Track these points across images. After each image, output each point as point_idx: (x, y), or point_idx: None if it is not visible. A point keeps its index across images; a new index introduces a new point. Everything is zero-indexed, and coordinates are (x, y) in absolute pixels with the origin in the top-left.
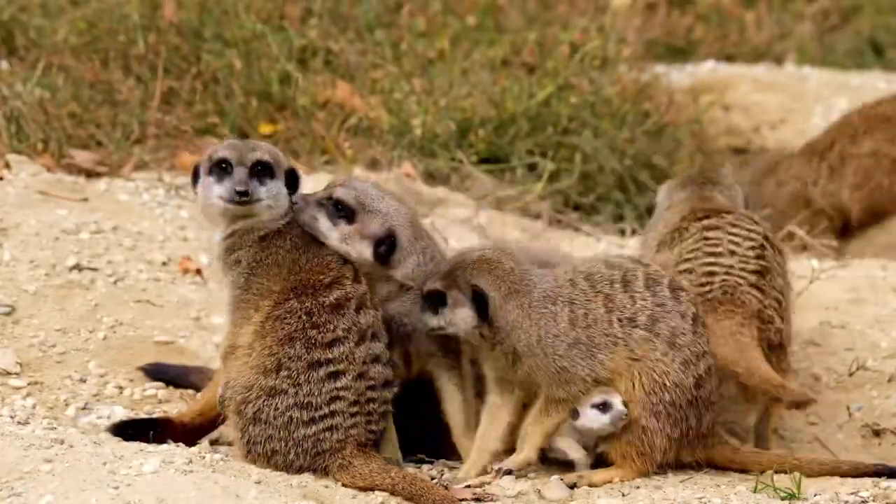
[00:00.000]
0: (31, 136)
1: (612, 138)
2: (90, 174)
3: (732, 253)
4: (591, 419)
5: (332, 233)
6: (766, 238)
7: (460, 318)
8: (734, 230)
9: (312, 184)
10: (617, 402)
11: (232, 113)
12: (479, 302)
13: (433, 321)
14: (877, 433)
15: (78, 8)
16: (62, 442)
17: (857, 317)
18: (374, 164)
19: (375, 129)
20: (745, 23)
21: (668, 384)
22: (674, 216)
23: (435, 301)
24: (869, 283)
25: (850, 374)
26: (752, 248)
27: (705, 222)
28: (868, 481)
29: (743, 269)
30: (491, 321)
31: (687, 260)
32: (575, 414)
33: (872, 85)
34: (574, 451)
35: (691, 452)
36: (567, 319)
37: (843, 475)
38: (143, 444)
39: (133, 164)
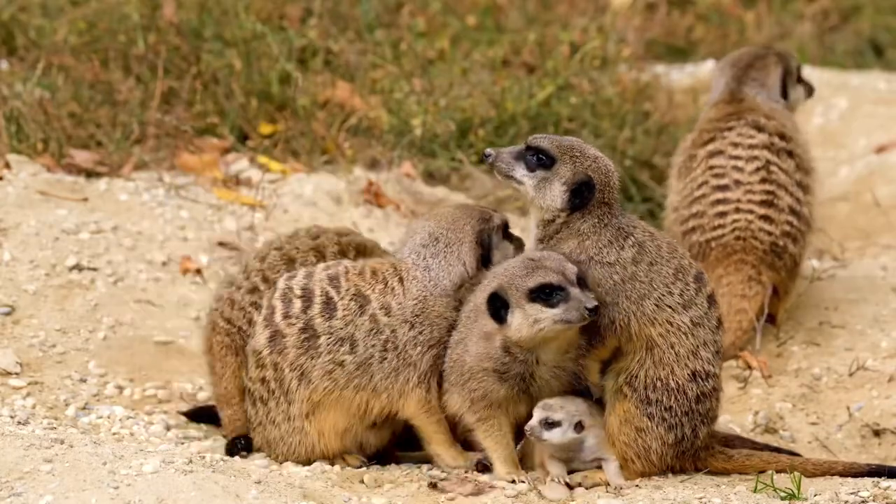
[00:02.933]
0: (31, 136)
1: (612, 138)
2: (90, 174)
3: (738, 183)
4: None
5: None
6: (769, 147)
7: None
8: (736, 151)
9: (312, 184)
10: (557, 416)
11: (232, 113)
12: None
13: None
14: (877, 433)
15: (78, 8)
16: (62, 442)
17: (857, 317)
18: (374, 164)
19: (375, 129)
20: (745, 23)
21: (671, 386)
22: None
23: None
24: (869, 283)
25: (850, 374)
26: (757, 169)
27: (709, 147)
28: (868, 481)
29: (750, 202)
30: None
31: (697, 200)
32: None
33: (872, 85)
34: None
35: (685, 462)
36: (630, 257)
37: (837, 475)
38: (144, 444)
39: (133, 164)
